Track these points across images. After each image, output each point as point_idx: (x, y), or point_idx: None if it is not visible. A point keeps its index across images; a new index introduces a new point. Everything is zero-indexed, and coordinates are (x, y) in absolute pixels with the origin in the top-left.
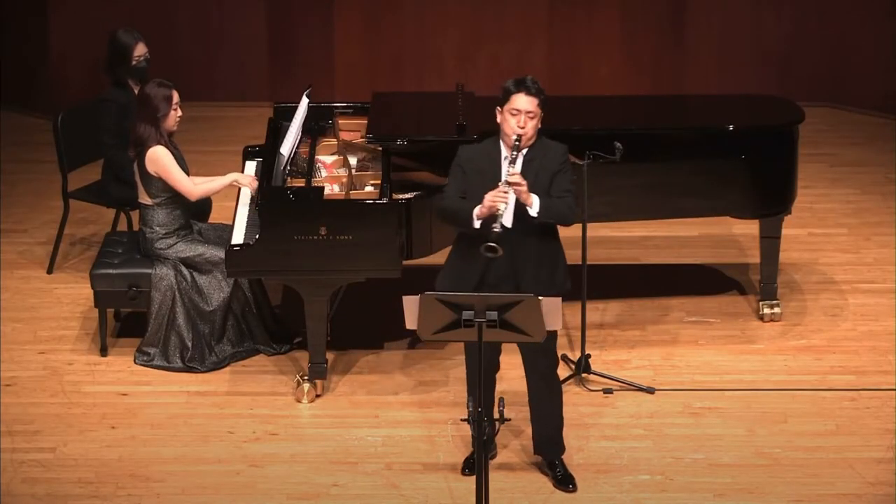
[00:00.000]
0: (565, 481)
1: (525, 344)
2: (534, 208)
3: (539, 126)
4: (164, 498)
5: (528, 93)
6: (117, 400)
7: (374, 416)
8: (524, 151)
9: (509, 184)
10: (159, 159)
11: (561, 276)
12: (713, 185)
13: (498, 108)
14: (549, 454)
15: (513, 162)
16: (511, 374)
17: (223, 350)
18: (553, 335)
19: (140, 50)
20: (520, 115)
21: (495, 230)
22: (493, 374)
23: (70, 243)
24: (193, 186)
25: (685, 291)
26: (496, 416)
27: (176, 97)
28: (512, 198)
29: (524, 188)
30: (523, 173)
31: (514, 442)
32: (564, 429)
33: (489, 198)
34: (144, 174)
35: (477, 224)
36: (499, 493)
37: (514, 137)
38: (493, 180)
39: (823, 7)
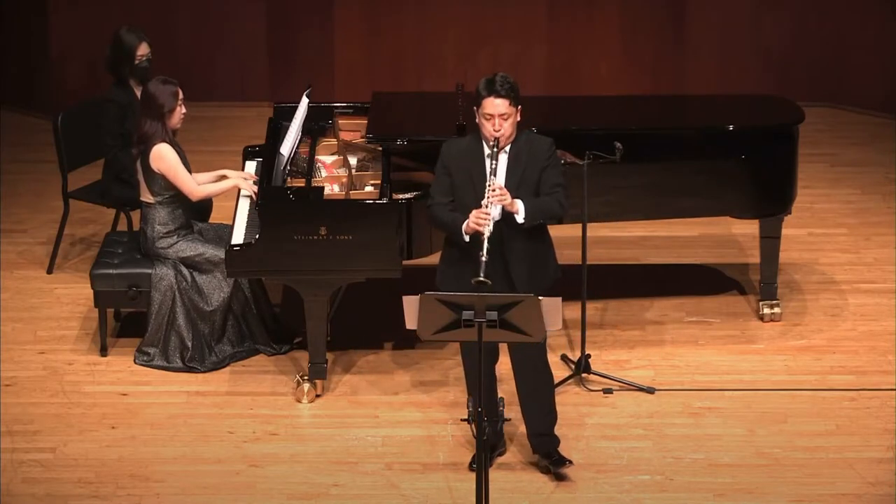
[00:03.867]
0: (561, 461)
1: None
2: (520, 216)
3: (519, 120)
4: (164, 498)
5: (498, 95)
6: (117, 400)
7: (374, 416)
8: (507, 148)
9: (490, 201)
10: (165, 157)
11: (553, 265)
12: (713, 185)
13: (475, 107)
14: (545, 446)
15: (493, 172)
16: (511, 374)
17: (223, 350)
18: None
19: (143, 50)
20: (493, 118)
21: (482, 259)
22: (493, 366)
23: (70, 243)
24: (196, 187)
25: (685, 291)
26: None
27: (181, 94)
28: (497, 208)
29: (507, 199)
30: (509, 169)
31: (514, 442)
32: (564, 428)
33: (473, 219)
34: (148, 171)
35: (466, 238)
36: (499, 493)
37: (492, 142)
38: (478, 179)
39: (823, 7)
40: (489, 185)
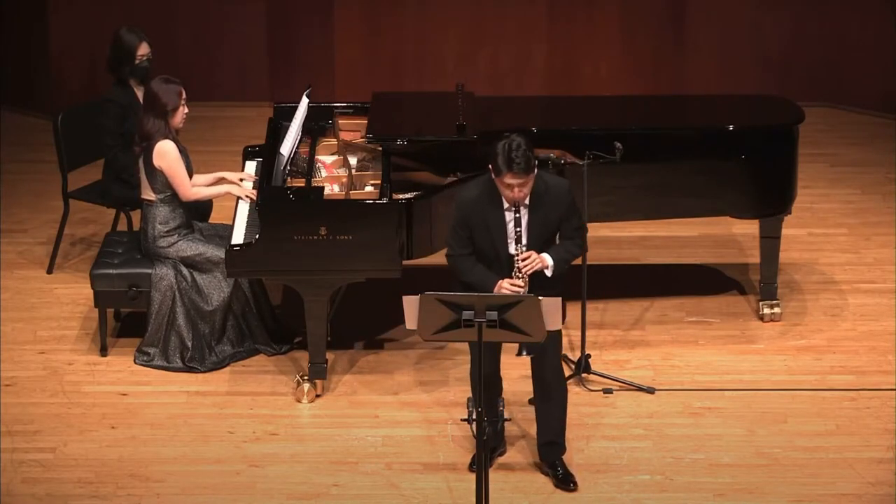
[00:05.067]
0: (566, 480)
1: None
2: (549, 270)
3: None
4: (164, 498)
5: (517, 174)
6: (117, 400)
7: (374, 416)
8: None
9: (523, 273)
10: (167, 154)
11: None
12: (713, 185)
13: (489, 166)
14: (551, 455)
15: (519, 238)
16: (511, 374)
17: (223, 350)
18: (558, 337)
19: (143, 50)
20: (513, 187)
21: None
22: (496, 379)
23: (70, 243)
24: (190, 189)
25: (685, 291)
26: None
27: (184, 94)
28: (511, 226)
29: (538, 266)
30: (531, 219)
31: (514, 442)
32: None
33: (506, 289)
34: (150, 169)
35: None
36: (499, 493)
37: (514, 206)
38: (495, 227)
39: (823, 7)
40: (517, 255)
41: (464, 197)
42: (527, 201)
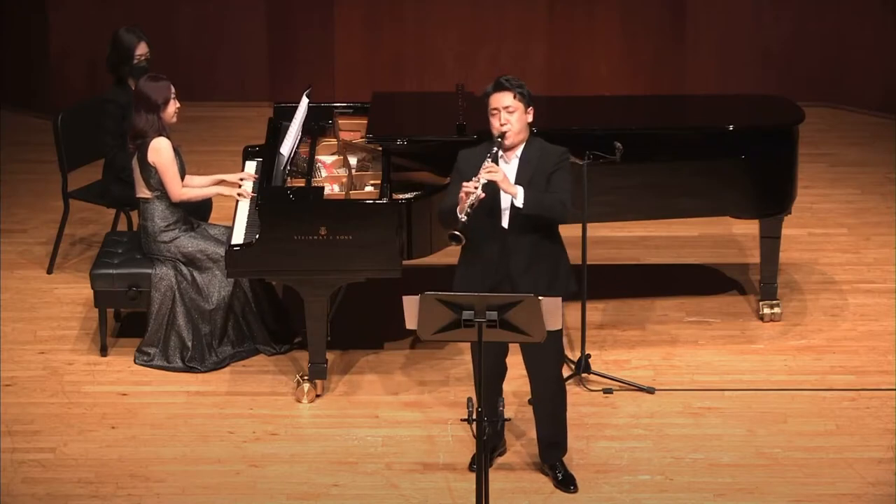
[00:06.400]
0: (566, 482)
1: (528, 346)
2: (518, 199)
3: (530, 120)
4: (164, 498)
5: (500, 88)
6: (117, 400)
7: (374, 416)
8: (519, 151)
9: (480, 175)
10: (162, 151)
11: (563, 278)
12: (713, 185)
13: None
14: (552, 457)
15: (494, 159)
16: (511, 374)
17: (224, 350)
18: (558, 338)
19: (142, 49)
20: (498, 113)
21: (461, 219)
22: (499, 380)
23: (70, 243)
24: (179, 189)
25: (685, 291)
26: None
27: (173, 89)
28: (507, 198)
29: (500, 176)
30: (519, 171)
31: (514, 442)
32: None
33: (461, 191)
34: (145, 166)
35: (463, 217)
36: (499, 493)
37: (497, 135)
38: None
39: (823, 7)
40: (485, 165)
41: (465, 151)
42: (518, 152)
